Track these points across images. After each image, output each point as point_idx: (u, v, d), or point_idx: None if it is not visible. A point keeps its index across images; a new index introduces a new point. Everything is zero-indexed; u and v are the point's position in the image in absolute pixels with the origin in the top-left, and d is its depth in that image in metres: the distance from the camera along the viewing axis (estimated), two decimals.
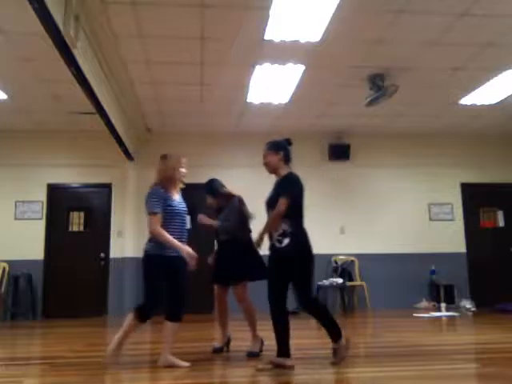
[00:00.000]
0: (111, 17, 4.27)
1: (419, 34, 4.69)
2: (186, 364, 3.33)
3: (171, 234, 3.33)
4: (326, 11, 4.17)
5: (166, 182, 3.47)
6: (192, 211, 3.97)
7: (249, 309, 3.85)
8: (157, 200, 3.36)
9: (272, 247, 3.40)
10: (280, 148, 3.54)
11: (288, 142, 3.63)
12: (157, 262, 3.35)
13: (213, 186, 4.06)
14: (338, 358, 3.31)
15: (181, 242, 3.37)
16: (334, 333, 3.32)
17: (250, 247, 3.60)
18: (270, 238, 3.40)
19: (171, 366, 3.29)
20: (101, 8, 4.10)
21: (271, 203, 3.40)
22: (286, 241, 3.31)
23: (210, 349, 3.90)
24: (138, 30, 4.49)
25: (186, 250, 3.34)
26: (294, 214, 3.36)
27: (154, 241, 3.37)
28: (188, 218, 3.61)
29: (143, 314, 3.37)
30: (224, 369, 3.42)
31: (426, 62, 5.31)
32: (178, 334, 3.45)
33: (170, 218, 3.39)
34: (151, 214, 3.35)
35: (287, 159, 3.55)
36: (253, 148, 7.46)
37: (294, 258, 3.31)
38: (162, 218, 3.35)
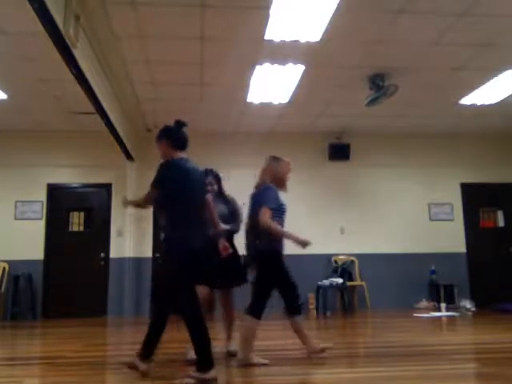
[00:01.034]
0: (111, 17, 4.27)
1: (419, 34, 4.69)
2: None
3: None
4: (326, 11, 4.17)
5: (277, 182, 3.60)
6: None
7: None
8: (274, 197, 3.51)
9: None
10: (163, 135, 3.28)
11: (178, 124, 3.31)
12: (276, 256, 3.51)
13: (218, 174, 4.12)
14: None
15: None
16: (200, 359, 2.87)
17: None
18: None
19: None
20: (101, 8, 4.10)
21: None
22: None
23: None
24: (138, 29, 4.49)
25: (297, 236, 3.43)
26: (170, 208, 3.07)
27: (267, 238, 3.45)
28: None
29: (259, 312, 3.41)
30: (225, 368, 3.42)
31: (426, 62, 5.31)
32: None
33: (278, 216, 3.50)
34: (267, 207, 3.43)
35: (178, 144, 3.22)
36: (253, 148, 7.49)
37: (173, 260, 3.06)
38: (272, 215, 3.44)
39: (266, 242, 3.44)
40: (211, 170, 4.02)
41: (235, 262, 3.84)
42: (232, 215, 3.94)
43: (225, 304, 3.92)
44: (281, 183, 3.61)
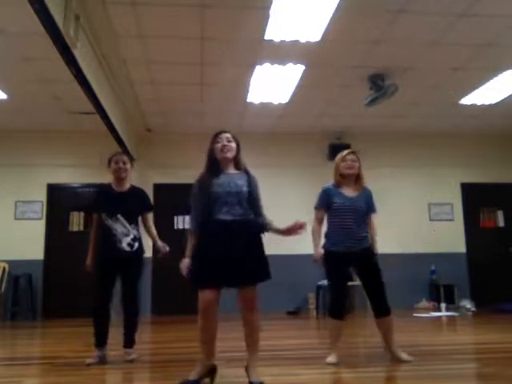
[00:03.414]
0: (111, 17, 4.27)
1: (419, 34, 4.69)
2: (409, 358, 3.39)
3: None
4: (326, 11, 4.17)
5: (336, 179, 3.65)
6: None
7: None
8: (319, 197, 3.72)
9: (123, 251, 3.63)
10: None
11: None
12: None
13: None
14: None
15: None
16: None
17: None
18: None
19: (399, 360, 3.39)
20: (101, 8, 4.10)
21: None
22: (137, 245, 3.69)
23: None
24: (138, 29, 4.49)
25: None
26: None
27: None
28: None
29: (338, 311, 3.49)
30: (224, 369, 3.42)
31: (425, 62, 5.31)
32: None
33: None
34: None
35: None
36: (253, 148, 7.49)
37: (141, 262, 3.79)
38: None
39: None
40: None
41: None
42: None
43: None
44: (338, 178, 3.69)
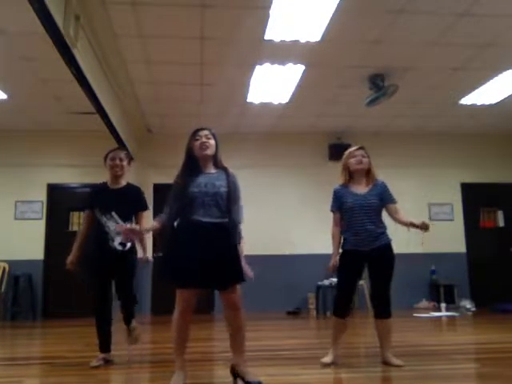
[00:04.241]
0: (111, 17, 4.27)
1: (419, 34, 4.69)
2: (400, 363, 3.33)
3: None
4: (326, 11, 4.17)
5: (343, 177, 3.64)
6: None
7: None
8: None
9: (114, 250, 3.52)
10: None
11: None
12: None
13: None
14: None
15: None
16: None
17: None
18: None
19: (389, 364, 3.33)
20: (101, 8, 4.10)
21: None
22: (129, 245, 3.58)
23: (208, 349, 3.89)
24: (138, 29, 4.49)
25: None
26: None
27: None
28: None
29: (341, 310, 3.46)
30: (224, 369, 3.42)
31: (426, 62, 5.31)
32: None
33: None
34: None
35: None
36: (253, 148, 7.50)
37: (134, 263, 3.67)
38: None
39: None
40: None
41: None
42: None
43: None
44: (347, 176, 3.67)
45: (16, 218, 7.27)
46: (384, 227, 3.51)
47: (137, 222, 3.68)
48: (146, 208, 3.79)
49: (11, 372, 3.45)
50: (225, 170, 2.99)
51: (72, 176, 7.47)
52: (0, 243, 7.03)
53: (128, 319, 3.67)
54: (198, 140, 2.93)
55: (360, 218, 3.43)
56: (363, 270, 3.52)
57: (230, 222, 2.87)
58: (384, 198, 3.52)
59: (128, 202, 3.66)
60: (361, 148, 3.59)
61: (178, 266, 2.77)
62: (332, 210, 3.63)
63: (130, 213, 3.68)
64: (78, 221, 7.46)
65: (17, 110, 6.54)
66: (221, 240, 2.81)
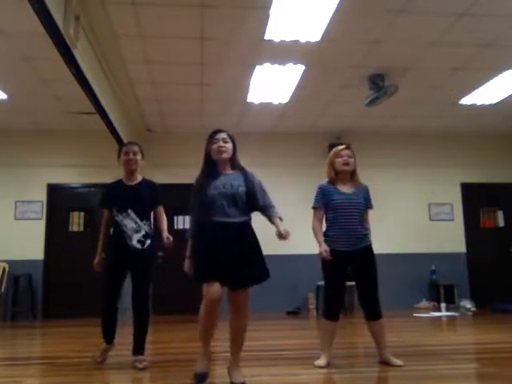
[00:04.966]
0: (111, 17, 4.27)
1: (419, 34, 4.69)
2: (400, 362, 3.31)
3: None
4: (326, 11, 4.17)
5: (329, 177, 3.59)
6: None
7: None
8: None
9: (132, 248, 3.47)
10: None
11: None
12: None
13: None
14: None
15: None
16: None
17: None
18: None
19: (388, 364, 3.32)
20: (101, 8, 4.10)
21: None
22: (148, 242, 3.51)
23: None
24: (138, 30, 4.49)
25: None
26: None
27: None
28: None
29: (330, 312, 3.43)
30: (224, 369, 3.42)
31: (426, 62, 5.31)
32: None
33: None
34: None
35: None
36: (253, 148, 7.49)
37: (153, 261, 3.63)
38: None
39: None
40: None
41: None
42: None
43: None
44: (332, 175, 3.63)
45: (16, 218, 7.27)
46: (367, 229, 3.53)
47: (155, 218, 3.64)
48: (160, 203, 3.68)
49: (11, 372, 3.44)
50: (241, 169, 3.04)
51: (72, 176, 7.48)
52: (0, 243, 7.03)
53: (140, 346, 3.46)
54: (215, 143, 2.97)
55: (347, 218, 3.42)
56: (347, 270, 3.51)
57: (265, 206, 2.99)
58: (366, 201, 3.57)
59: (144, 199, 3.55)
60: (347, 148, 3.55)
61: (200, 263, 2.83)
62: (315, 207, 3.54)
63: (148, 209, 3.60)
64: (78, 221, 7.47)
65: (17, 109, 6.54)
66: (240, 239, 2.86)
